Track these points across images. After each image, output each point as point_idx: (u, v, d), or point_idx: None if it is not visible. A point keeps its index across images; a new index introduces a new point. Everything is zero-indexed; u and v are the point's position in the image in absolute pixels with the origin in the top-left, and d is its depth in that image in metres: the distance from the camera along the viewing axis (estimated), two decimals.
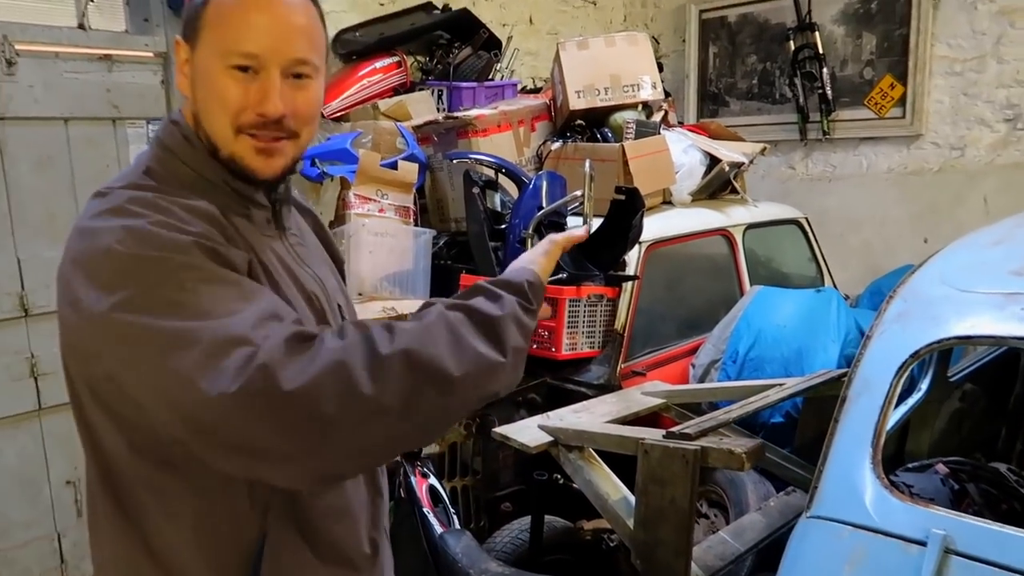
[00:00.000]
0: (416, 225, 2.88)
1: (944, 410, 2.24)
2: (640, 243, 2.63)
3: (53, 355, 2.76)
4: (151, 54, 2.98)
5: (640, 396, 2.34)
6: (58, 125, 2.76)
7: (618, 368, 2.57)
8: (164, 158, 1.04)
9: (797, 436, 2.24)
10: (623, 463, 1.88)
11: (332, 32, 3.26)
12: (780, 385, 2.09)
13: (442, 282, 2.82)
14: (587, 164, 2.65)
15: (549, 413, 2.19)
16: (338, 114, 3.11)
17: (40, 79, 2.69)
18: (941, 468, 1.82)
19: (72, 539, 2.86)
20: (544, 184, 2.66)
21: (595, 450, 1.93)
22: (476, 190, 2.66)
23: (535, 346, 2.53)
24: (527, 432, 2.06)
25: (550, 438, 2.04)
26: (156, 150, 1.06)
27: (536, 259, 1.17)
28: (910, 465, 1.89)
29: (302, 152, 1.08)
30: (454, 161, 2.86)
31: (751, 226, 3.17)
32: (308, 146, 1.08)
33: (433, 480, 2.00)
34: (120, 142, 2.92)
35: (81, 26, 2.82)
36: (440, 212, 3.08)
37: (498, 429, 2.06)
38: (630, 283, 2.62)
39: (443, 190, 3.05)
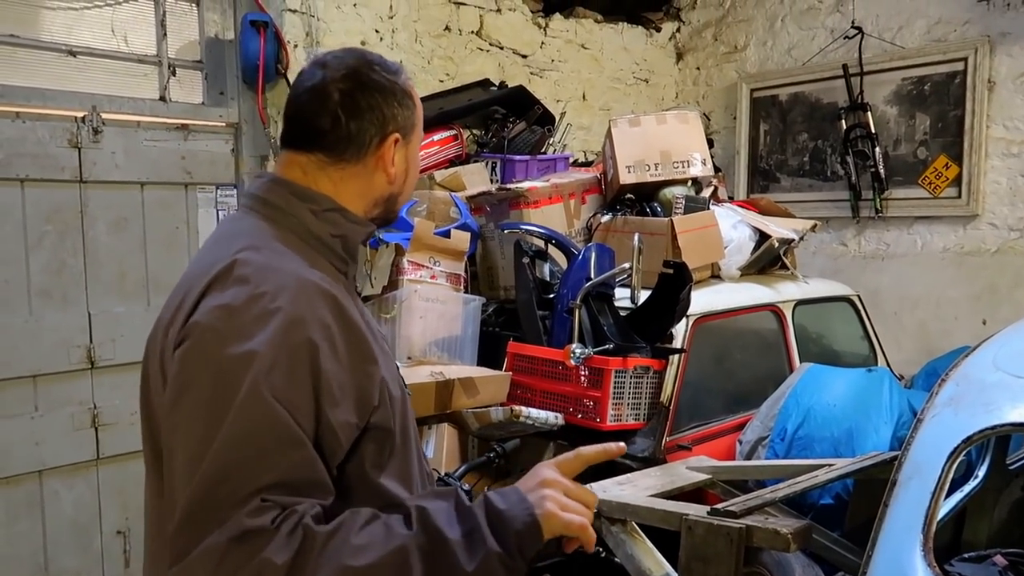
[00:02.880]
0: (466, 292, 2.95)
1: (1004, 499, 2.16)
2: (688, 316, 2.64)
3: (115, 407, 2.87)
4: (224, 124, 3.17)
5: (685, 471, 2.31)
6: (135, 189, 2.94)
7: (663, 441, 2.54)
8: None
9: (847, 519, 2.18)
10: (666, 538, 1.86)
11: None
12: (830, 466, 2.05)
13: (490, 348, 2.86)
14: (636, 237, 2.72)
15: (592, 484, 2.18)
16: None
17: (122, 146, 2.88)
18: (1000, 560, 1.75)
19: None
20: (593, 255, 2.71)
21: (638, 524, 1.91)
22: (526, 260, 2.72)
23: (579, 416, 2.53)
24: None
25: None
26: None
27: (545, 480, 1.01)
28: (966, 555, 1.82)
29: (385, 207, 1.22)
30: (505, 231, 2.94)
31: (801, 302, 3.15)
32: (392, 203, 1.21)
33: None
34: (190, 205, 3.08)
35: (162, 98, 3.02)
36: (490, 280, 3.15)
37: None
38: (677, 356, 2.62)
39: (494, 258, 3.12)
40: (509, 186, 3.08)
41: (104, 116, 2.81)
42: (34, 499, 2.71)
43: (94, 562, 2.86)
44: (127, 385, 2.90)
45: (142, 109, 2.94)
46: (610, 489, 2.15)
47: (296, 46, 3.19)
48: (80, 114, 2.77)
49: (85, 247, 2.81)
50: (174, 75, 3.06)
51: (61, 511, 2.77)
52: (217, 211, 3.16)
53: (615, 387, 2.49)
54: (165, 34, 3.01)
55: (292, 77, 3.07)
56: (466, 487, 2.04)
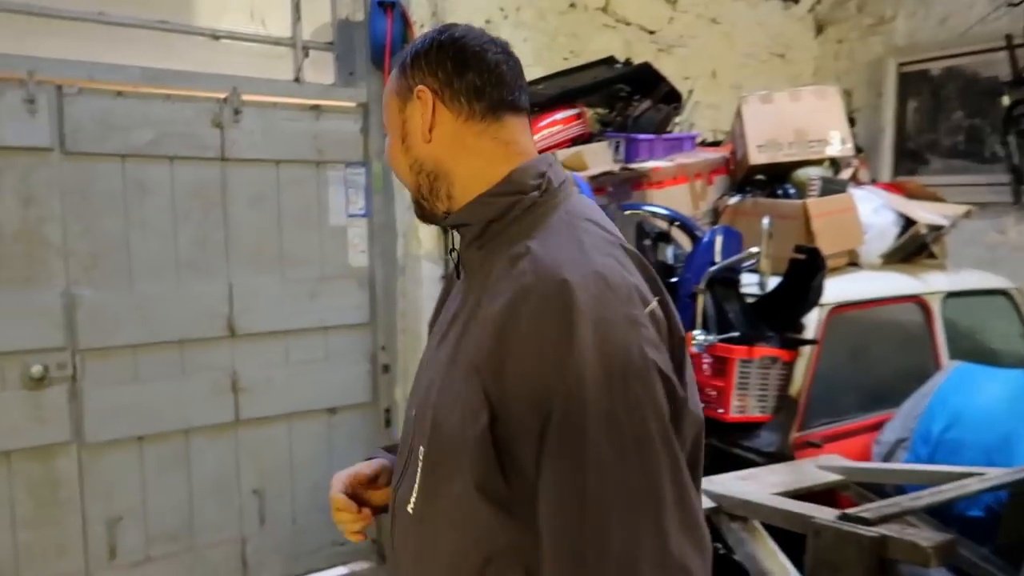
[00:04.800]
0: None
1: None
2: (822, 306, 2.48)
3: (251, 373, 3.04)
4: (353, 104, 3.25)
5: (814, 470, 2.19)
6: (271, 167, 3.07)
7: (791, 437, 2.41)
8: None
9: (1000, 534, 1.99)
10: (791, 540, 1.76)
11: None
12: (981, 474, 1.87)
13: None
14: (766, 221, 2.58)
15: (712, 478, 2.10)
16: None
17: (260, 126, 3.02)
18: None
19: (254, 545, 3.09)
20: (719, 239, 2.60)
21: (761, 523, 1.82)
22: (648, 242, 2.64)
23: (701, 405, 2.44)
24: None
25: (712, 504, 1.96)
26: None
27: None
28: None
29: (414, 193, 1.10)
30: (627, 212, 2.87)
31: (951, 294, 2.89)
32: (411, 188, 1.09)
33: None
34: (321, 183, 3.20)
35: (296, 79, 3.14)
36: None
37: None
38: (808, 347, 2.48)
39: None
40: (632, 166, 2.99)
41: (243, 97, 2.95)
42: (181, 456, 2.92)
43: (233, 517, 3.05)
44: (263, 353, 3.06)
45: (278, 90, 3.07)
46: (731, 484, 2.07)
47: (422, 26, 3.22)
48: (222, 95, 2.92)
49: (226, 222, 2.98)
50: (307, 57, 3.16)
51: (204, 468, 2.97)
52: (346, 189, 3.26)
53: (739, 377, 2.38)
54: (299, 17, 3.12)
55: None
56: None
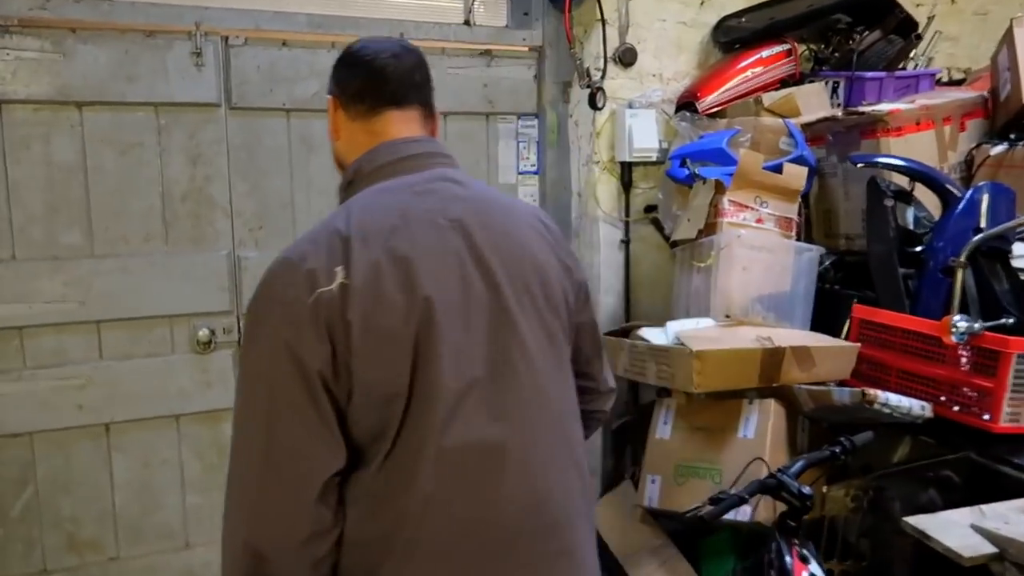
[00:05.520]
0: (798, 239, 2.43)
1: None
2: None
3: None
4: (527, 48, 2.93)
5: None
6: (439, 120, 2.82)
7: None
8: None
9: None
10: None
11: (714, 19, 2.93)
12: None
13: (826, 309, 2.33)
14: None
15: (984, 508, 1.62)
16: (714, 109, 2.77)
17: None
18: None
19: None
20: (985, 199, 2.05)
21: None
22: (889, 202, 2.13)
23: (956, 409, 1.93)
24: (954, 532, 1.53)
25: (992, 549, 1.49)
26: None
27: None
28: None
29: (338, 163, 1.29)
30: (858, 165, 2.35)
31: None
32: (338, 159, 1.28)
33: (815, 568, 1.57)
34: (491, 137, 2.91)
35: (467, 22, 2.85)
36: (826, 225, 2.58)
37: (911, 520, 1.56)
38: None
39: (833, 200, 2.55)
40: (862, 109, 2.45)
41: (412, 43, 2.70)
42: None
43: None
44: None
45: (447, 35, 2.80)
46: (1015, 519, 1.58)
47: None
48: None
49: None
50: None
51: None
52: (518, 143, 2.95)
53: (1015, 376, 1.85)
54: None
55: None
56: (806, 489, 1.60)
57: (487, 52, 2.86)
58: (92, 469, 2.47)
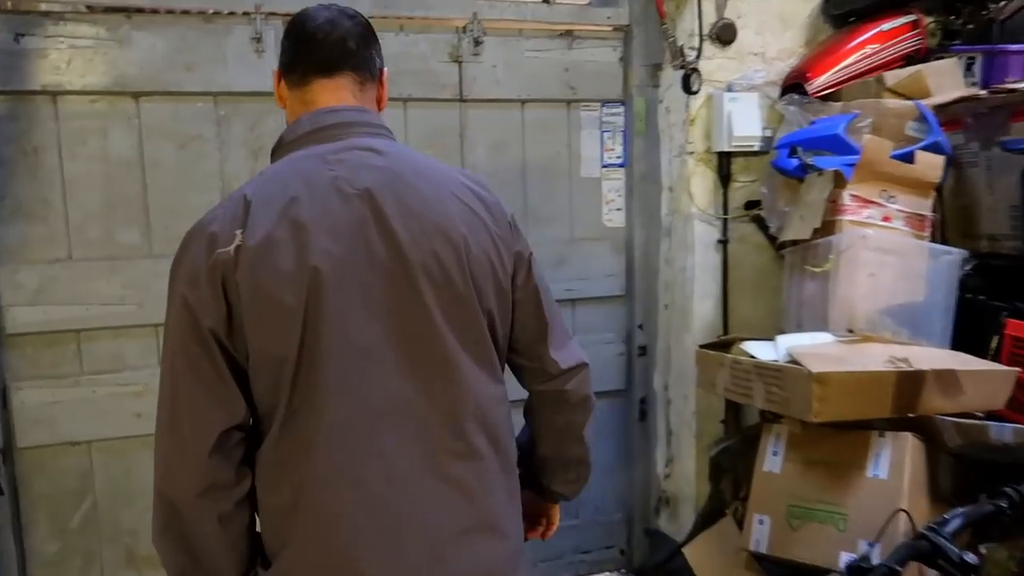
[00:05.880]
0: (933, 241, 2.09)
1: None
2: None
3: None
4: (611, 27, 2.66)
5: None
6: (515, 108, 2.59)
7: None
8: None
9: None
10: None
11: None
12: None
13: (968, 325, 1.99)
14: None
15: None
16: (826, 91, 2.44)
17: (502, 58, 2.53)
18: None
19: None
20: None
21: None
22: None
23: None
24: None
25: None
26: None
27: None
28: None
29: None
30: (1010, 151, 1.99)
31: None
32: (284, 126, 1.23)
33: None
34: (572, 127, 2.66)
35: (545, 0, 2.60)
36: (964, 224, 2.22)
37: None
38: None
39: (973, 193, 2.19)
40: (1011, 86, 2.09)
41: (485, 24, 2.48)
42: None
43: None
44: None
45: (523, 14, 2.55)
46: None
47: None
48: (461, 23, 2.46)
49: None
50: None
51: None
52: (602, 133, 2.69)
53: None
54: None
55: None
56: (970, 557, 1.28)
57: (568, 33, 2.60)
58: (151, 480, 2.34)
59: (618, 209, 2.74)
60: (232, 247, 1.04)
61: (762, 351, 2.03)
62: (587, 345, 2.72)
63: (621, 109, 2.69)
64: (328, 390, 1.05)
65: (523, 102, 2.59)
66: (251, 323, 1.04)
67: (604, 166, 2.71)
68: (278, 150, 1.19)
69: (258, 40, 2.26)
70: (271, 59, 2.28)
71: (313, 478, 1.05)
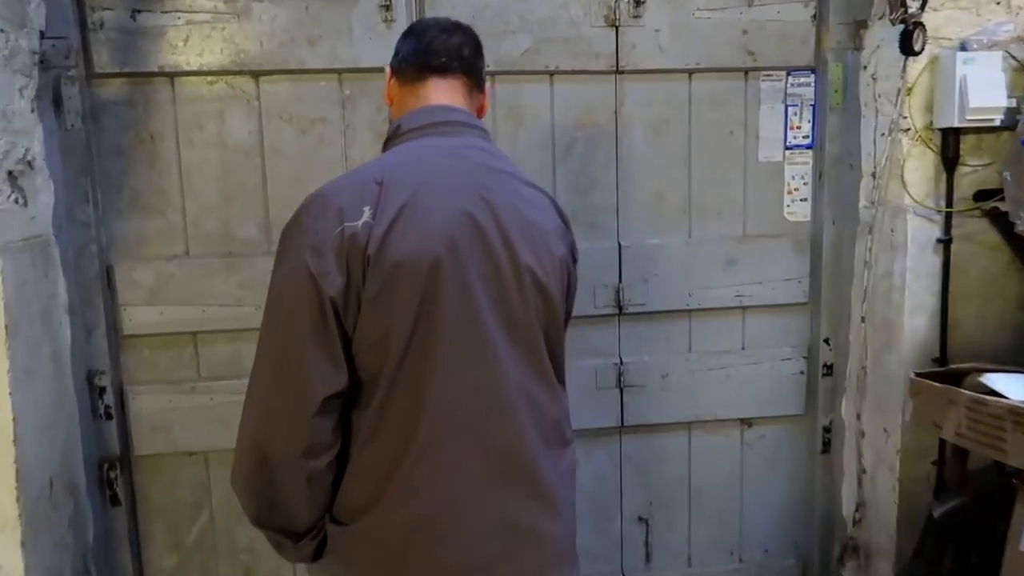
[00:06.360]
0: None
1: None
2: None
3: (643, 365, 2.26)
4: None
5: None
6: (680, 79, 2.18)
7: None
8: None
9: None
10: None
11: None
12: None
13: None
14: None
15: None
16: None
17: (667, 21, 2.13)
18: None
19: None
20: None
21: None
22: None
23: None
24: None
25: None
26: None
27: None
28: None
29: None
30: None
31: None
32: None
33: None
34: (750, 100, 2.22)
35: None
36: None
37: None
38: None
39: None
40: None
41: None
42: None
43: (612, 548, 2.35)
44: (656, 338, 2.26)
45: None
46: None
47: None
48: None
49: (619, 158, 2.18)
50: None
51: (580, 483, 2.29)
52: (786, 108, 2.23)
53: None
54: None
55: None
56: None
57: None
58: None
59: (803, 199, 2.27)
60: (360, 222, 1.08)
61: (1015, 388, 1.54)
62: (760, 361, 2.31)
63: (811, 78, 2.22)
64: (435, 368, 1.10)
65: (691, 72, 2.17)
66: (370, 297, 1.08)
67: (788, 148, 2.25)
68: (396, 137, 1.24)
69: (387, 8, 1.99)
70: (401, 29, 1.99)
71: (417, 448, 1.10)
